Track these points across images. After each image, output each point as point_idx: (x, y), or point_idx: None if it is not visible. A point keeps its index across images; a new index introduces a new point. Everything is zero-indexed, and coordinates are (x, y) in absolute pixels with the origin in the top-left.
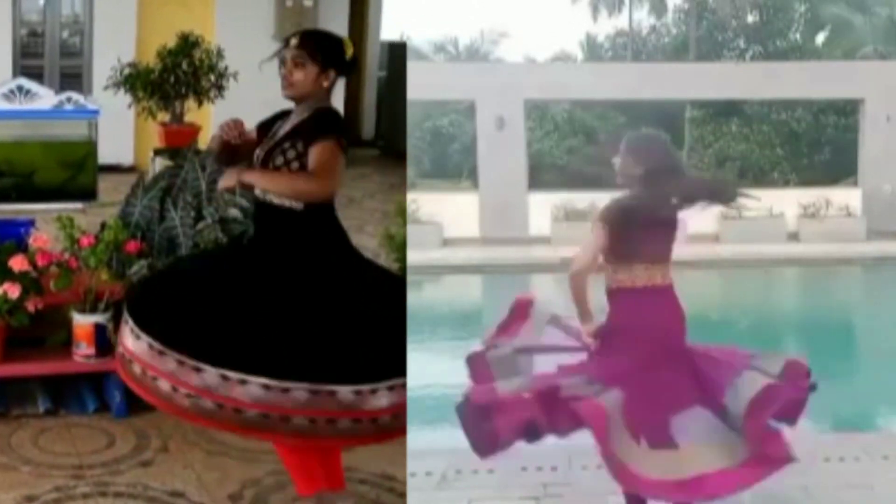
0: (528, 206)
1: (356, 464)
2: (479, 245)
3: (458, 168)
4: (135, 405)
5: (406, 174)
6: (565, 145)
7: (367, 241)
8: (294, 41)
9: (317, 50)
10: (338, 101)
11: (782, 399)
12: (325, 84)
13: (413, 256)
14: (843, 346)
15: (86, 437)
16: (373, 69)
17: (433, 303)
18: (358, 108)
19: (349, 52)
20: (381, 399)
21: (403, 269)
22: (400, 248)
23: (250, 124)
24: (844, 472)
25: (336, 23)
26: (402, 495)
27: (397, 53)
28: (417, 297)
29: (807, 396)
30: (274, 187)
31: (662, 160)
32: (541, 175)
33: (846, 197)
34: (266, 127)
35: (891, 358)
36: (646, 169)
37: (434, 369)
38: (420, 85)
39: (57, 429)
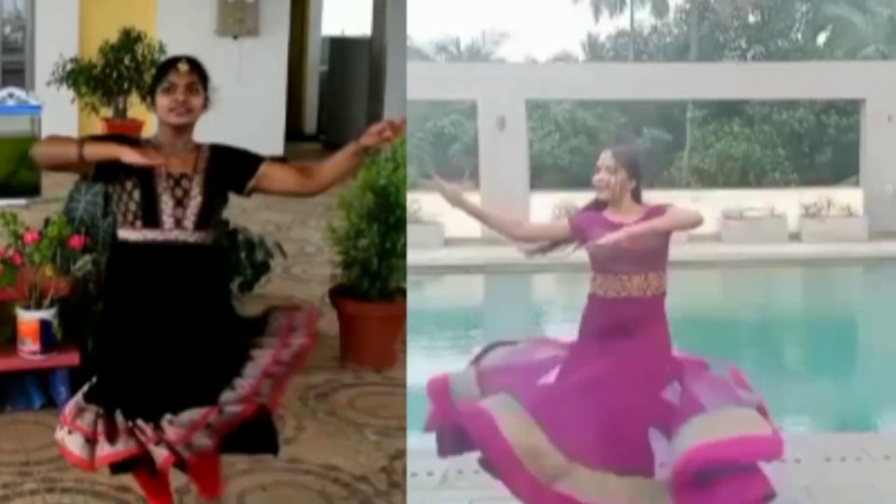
0: (529, 206)
1: (301, 455)
2: (480, 245)
3: (459, 168)
4: None
5: None
6: (567, 145)
7: (311, 235)
8: (185, 67)
9: (204, 76)
10: (281, 94)
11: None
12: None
13: (415, 256)
14: (845, 347)
15: (32, 433)
16: (314, 64)
17: (435, 303)
18: (300, 102)
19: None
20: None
21: (345, 262)
22: (342, 241)
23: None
24: (846, 471)
25: (278, 17)
26: (347, 485)
27: (338, 48)
28: (419, 297)
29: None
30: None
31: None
32: (542, 175)
33: (848, 197)
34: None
35: (892, 358)
36: (636, 184)
37: (436, 369)
38: (421, 85)
39: (3, 425)
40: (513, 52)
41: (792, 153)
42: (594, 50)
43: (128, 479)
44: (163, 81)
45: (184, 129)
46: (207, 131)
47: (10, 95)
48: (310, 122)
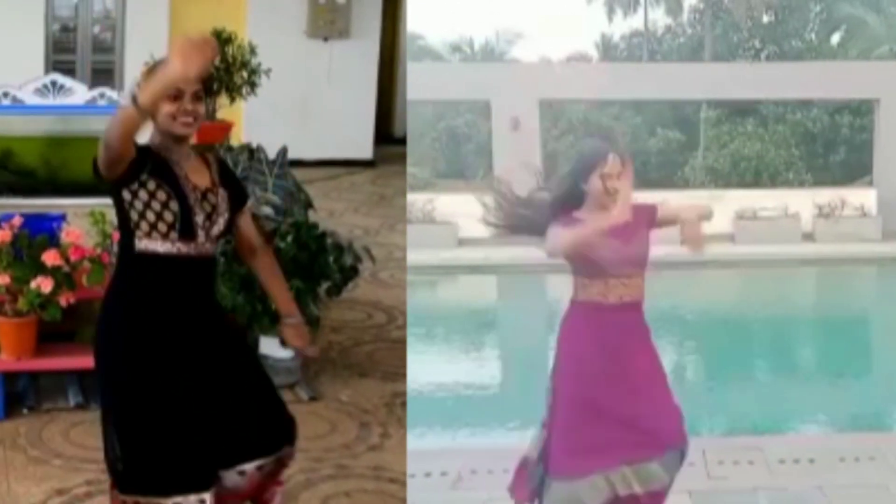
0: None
1: (386, 462)
2: (494, 245)
3: (473, 168)
4: None
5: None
6: (580, 146)
7: (400, 239)
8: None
9: (208, 84)
10: (371, 97)
11: None
12: None
13: (429, 256)
14: (858, 346)
15: None
16: (406, 67)
17: (448, 303)
18: (391, 105)
19: None
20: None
21: None
22: None
23: (282, 121)
24: (859, 471)
25: (369, 19)
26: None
27: None
28: (432, 297)
29: None
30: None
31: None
32: (556, 175)
33: (861, 197)
34: (146, 159)
35: None
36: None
37: (449, 369)
38: (435, 85)
39: (88, 423)
40: (527, 53)
41: (806, 153)
42: (608, 50)
43: None
44: (173, 90)
45: (186, 139)
46: (297, 134)
47: (101, 95)
48: (399, 126)
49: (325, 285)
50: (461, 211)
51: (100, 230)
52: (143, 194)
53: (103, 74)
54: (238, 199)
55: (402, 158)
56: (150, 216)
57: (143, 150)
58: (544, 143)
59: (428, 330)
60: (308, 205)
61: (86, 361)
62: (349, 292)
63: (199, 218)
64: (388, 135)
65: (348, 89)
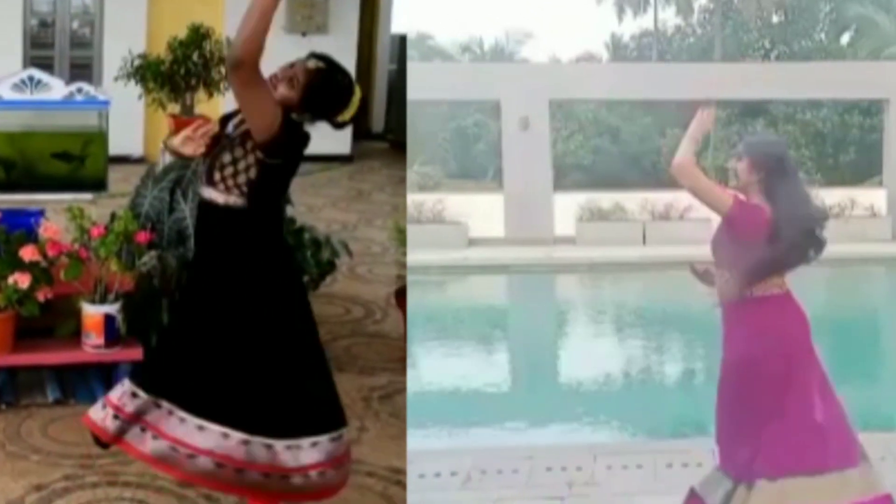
0: (553, 205)
1: (364, 456)
2: (504, 245)
3: (483, 168)
4: None
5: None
6: (590, 145)
7: (377, 235)
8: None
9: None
10: None
11: None
12: None
13: (439, 256)
14: (869, 347)
15: None
16: (383, 62)
17: (458, 303)
18: (368, 100)
19: None
20: (307, 455)
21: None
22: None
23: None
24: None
25: (347, 16)
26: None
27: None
28: (442, 297)
29: None
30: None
31: (778, 168)
32: (565, 175)
33: (871, 197)
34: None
35: None
36: (760, 177)
37: (459, 369)
38: (445, 85)
39: (66, 418)
40: (536, 52)
41: (815, 153)
42: (618, 50)
43: None
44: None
45: None
46: None
47: (79, 90)
48: (377, 121)
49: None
50: (471, 211)
51: (77, 225)
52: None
53: (81, 70)
54: None
55: (379, 154)
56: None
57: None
58: (554, 143)
59: (438, 330)
60: (286, 200)
61: (64, 357)
62: (327, 287)
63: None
64: (366, 130)
65: None
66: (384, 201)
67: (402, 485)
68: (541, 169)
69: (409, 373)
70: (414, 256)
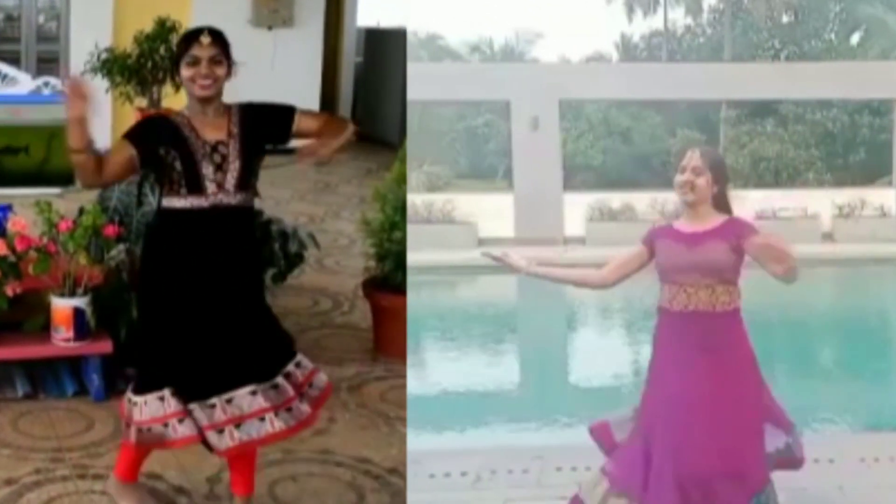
0: (563, 206)
1: (333, 447)
2: (513, 245)
3: (493, 168)
4: (113, 389)
5: (382, 160)
6: (600, 145)
7: (344, 226)
8: (207, 39)
9: (227, 47)
10: (315, 86)
11: None
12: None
13: (448, 256)
14: (878, 346)
15: (65, 420)
16: (350, 55)
17: (468, 303)
18: (335, 93)
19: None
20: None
21: (379, 254)
22: (376, 233)
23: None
24: (879, 471)
25: (313, 8)
26: (378, 478)
27: (375, 39)
28: (452, 298)
29: None
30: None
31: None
32: (575, 175)
33: (881, 197)
34: (152, 134)
35: None
36: (715, 191)
37: (469, 369)
38: (455, 85)
39: (36, 412)
40: (546, 53)
41: (825, 153)
42: (628, 50)
43: (159, 466)
44: (186, 55)
45: (212, 99)
46: None
47: (46, 84)
48: (344, 113)
49: (270, 272)
50: (480, 211)
51: (46, 220)
52: (161, 161)
53: (48, 64)
54: (279, 124)
55: (346, 146)
56: (166, 178)
57: (158, 126)
58: (564, 143)
59: (447, 330)
60: (253, 192)
61: (33, 351)
62: (295, 279)
63: (208, 171)
64: None
65: (292, 78)
66: (351, 193)
67: (371, 475)
68: (551, 169)
69: (415, 373)
70: (416, 256)
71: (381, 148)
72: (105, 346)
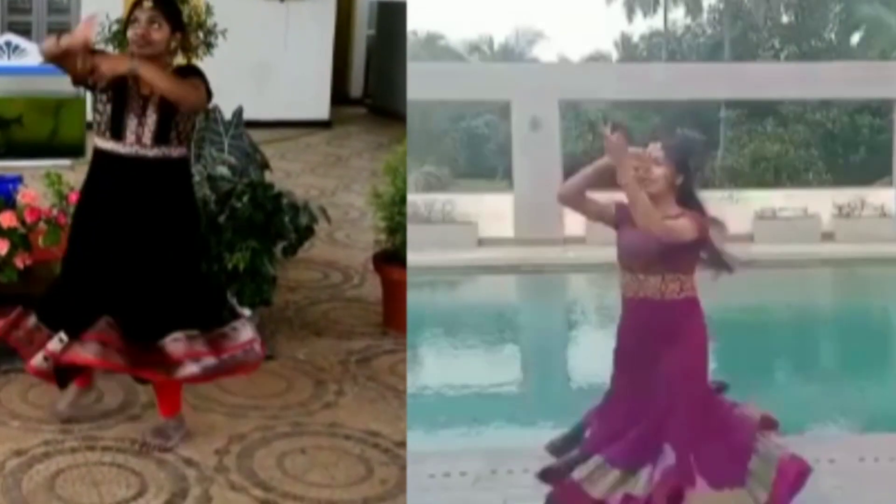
0: (563, 206)
1: (342, 420)
2: (514, 245)
3: (492, 168)
4: None
5: (393, 133)
6: (600, 145)
7: (355, 200)
8: (148, 3)
9: (169, 11)
10: (327, 58)
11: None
12: (174, 45)
13: (448, 256)
14: (878, 347)
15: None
16: (362, 27)
17: (468, 303)
18: (347, 65)
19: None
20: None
21: (389, 228)
22: (387, 206)
23: (238, 82)
24: (880, 472)
25: None
26: (387, 451)
27: (387, 12)
28: (452, 298)
29: None
30: (167, 85)
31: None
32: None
33: (881, 197)
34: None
35: None
36: (685, 179)
37: (469, 369)
38: (455, 85)
39: (45, 384)
40: (546, 52)
41: (825, 153)
42: (627, 50)
43: None
44: (130, 16)
45: (153, 59)
46: (253, 95)
47: None
48: (356, 86)
49: (280, 245)
50: (481, 211)
51: (56, 191)
52: (98, 100)
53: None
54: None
55: (358, 119)
56: (96, 116)
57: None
58: (564, 143)
59: (448, 329)
60: (264, 165)
61: None
62: (305, 252)
63: (131, 122)
64: (344, 96)
65: (305, 50)
66: (362, 167)
67: (380, 448)
68: (551, 169)
69: (415, 372)
70: (415, 257)
71: (392, 121)
72: None
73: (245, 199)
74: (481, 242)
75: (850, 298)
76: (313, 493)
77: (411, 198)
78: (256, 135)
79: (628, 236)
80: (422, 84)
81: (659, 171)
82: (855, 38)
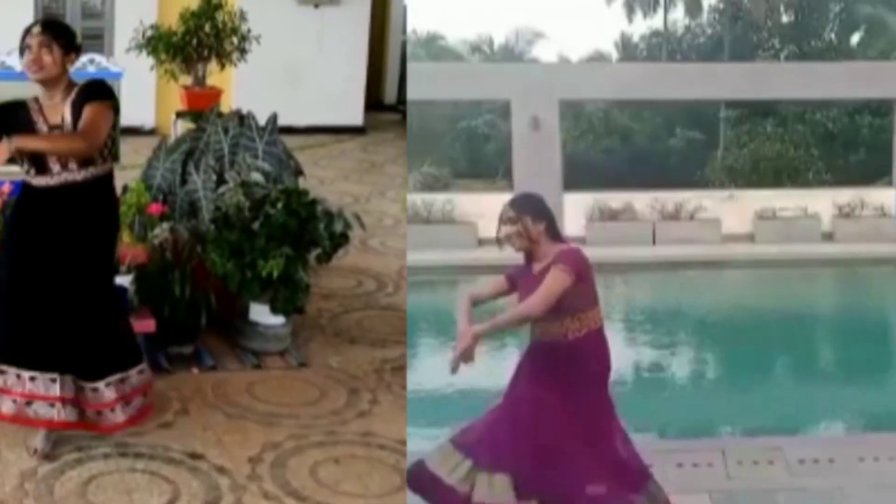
0: (563, 206)
1: (376, 429)
2: None
3: (493, 168)
4: (156, 367)
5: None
6: (600, 145)
7: (389, 206)
8: (37, 29)
9: (58, 33)
10: (362, 64)
11: None
12: (69, 66)
13: (449, 256)
14: (878, 347)
15: None
16: (397, 33)
17: None
18: (381, 72)
19: (78, 38)
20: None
21: None
22: None
23: (270, 87)
24: (879, 472)
25: None
26: None
27: None
28: (452, 297)
29: None
30: (49, 146)
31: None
32: (576, 175)
33: (881, 197)
34: (5, 118)
35: None
36: (547, 223)
37: (469, 370)
38: (455, 85)
39: None
40: (546, 52)
41: (825, 153)
42: (627, 50)
43: (201, 446)
44: (22, 44)
45: (50, 83)
46: (287, 101)
47: (91, 61)
48: (390, 92)
49: (314, 252)
50: (480, 211)
51: None
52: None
53: (93, 40)
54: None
55: (392, 126)
56: (19, 160)
57: (8, 112)
58: (564, 144)
59: (448, 330)
60: (298, 172)
61: None
62: (339, 259)
63: (52, 155)
64: (379, 102)
65: (339, 56)
66: (396, 173)
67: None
68: (551, 169)
69: (415, 372)
70: (417, 256)
71: None
72: (148, 324)
73: (279, 205)
74: (481, 243)
75: (850, 298)
76: (347, 503)
77: (411, 198)
78: (290, 141)
79: (525, 292)
80: (422, 84)
81: (516, 229)
82: (855, 38)
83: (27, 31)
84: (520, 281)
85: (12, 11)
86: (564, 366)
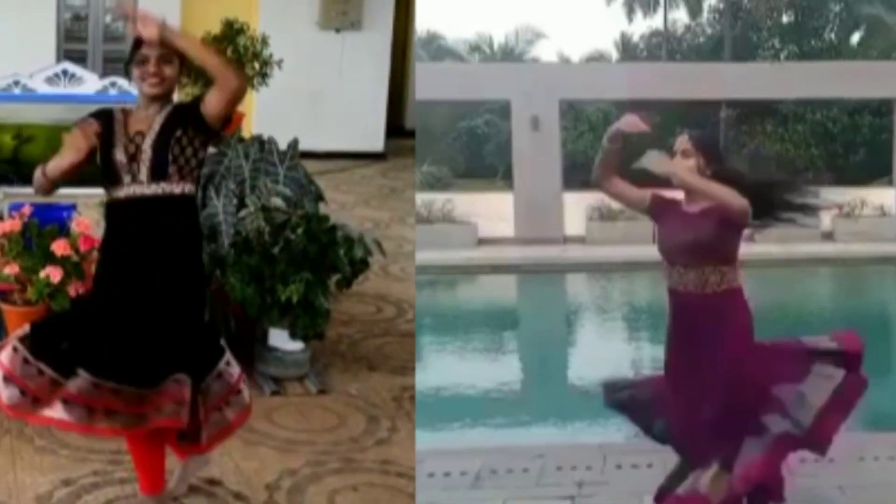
0: (562, 205)
1: (394, 457)
2: (513, 245)
3: (493, 168)
4: None
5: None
6: (600, 145)
7: (409, 232)
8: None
9: (172, 49)
10: (383, 90)
11: (851, 403)
12: (183, 80)
13: (448, 256)
14: (878, 346)
15: None
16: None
17: (468, 303)
18: (403, 97)
19: None
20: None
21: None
22: None
23: (293, 113)
24: (879, 470)
25: (381, 11)
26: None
27: None
28: (452, 297)
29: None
30: (204, 54)
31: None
32: (575, 175)
33: (881, 197)
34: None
35: None
36: (715, 170)
37: (469, 369)
38: (455, 85)
39: None
40: (546, 52)
41: (825, 153)
42: (627, 50)
43: (218, 472)
44: (136, 55)
45: (159, 98)
46: (308, 126)
47: (113, 84)
48: (411, 118)
49: (335, 278)
50: (480, 211)
51: None
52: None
53: (115, 64)
54: (192, 112)
55: (413, 151)
56: (101, 172)
57: (104, 116)
58: (564, 143)
59: (448, 329)
60: (319, 197)
61: None
62: (359, 285)
63: (121, 163)
64: (400, 127)
65: (360, 81)
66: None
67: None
68: (551, 168)
69: (418, 374)
70: (423, 255)
71: None
72: None
73: (300, 230)
74: (481, 242)
75: (850, 298)
76: None
77: None
78: (310, 165)
79: (667, 228)
80: (422, 84)
81: (690, 163)
82: (855, 38)
83: (142, 41)
84: (666, 214)
85: (34, 34)
86: (710, 324)
